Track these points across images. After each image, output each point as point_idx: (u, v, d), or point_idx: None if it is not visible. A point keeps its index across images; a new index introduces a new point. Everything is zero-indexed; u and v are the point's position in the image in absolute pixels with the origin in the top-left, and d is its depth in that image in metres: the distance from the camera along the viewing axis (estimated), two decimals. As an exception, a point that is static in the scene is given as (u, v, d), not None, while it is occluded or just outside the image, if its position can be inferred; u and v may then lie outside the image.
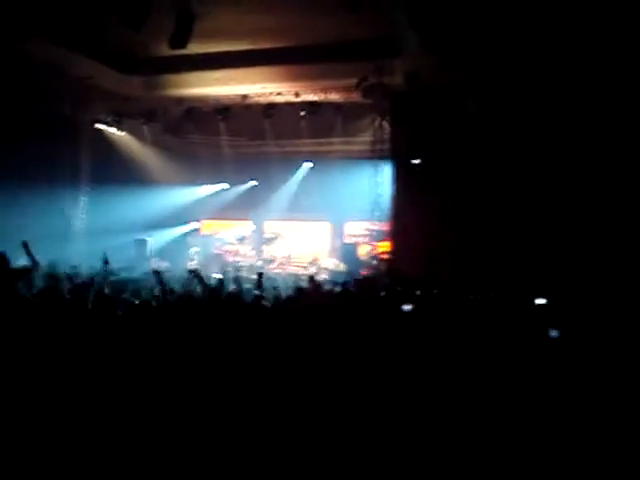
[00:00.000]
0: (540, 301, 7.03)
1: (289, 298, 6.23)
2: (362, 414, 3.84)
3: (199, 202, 20.13)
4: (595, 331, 5.21)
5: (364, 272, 15.50)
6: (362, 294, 8.20)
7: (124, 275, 9.15)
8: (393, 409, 3.90)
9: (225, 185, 20.32)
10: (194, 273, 5.93)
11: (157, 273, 5.62)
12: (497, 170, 13.09)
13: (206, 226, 20.99)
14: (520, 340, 4.93)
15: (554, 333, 5.16)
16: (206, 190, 20.31)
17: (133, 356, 3.98)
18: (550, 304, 6.91)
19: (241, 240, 19.56)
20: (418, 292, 7.76)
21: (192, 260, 18.77)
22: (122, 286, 6.64)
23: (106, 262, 6.20)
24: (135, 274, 10.58)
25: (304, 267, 18.40)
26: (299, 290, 6.81)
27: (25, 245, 5.53)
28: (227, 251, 19.33)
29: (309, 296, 6.82)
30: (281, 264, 19.26)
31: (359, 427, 3.75)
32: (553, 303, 7.12)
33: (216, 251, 19.30)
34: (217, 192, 20.35)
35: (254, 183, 20.01)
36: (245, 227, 20.35)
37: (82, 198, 16.42)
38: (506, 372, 4.38)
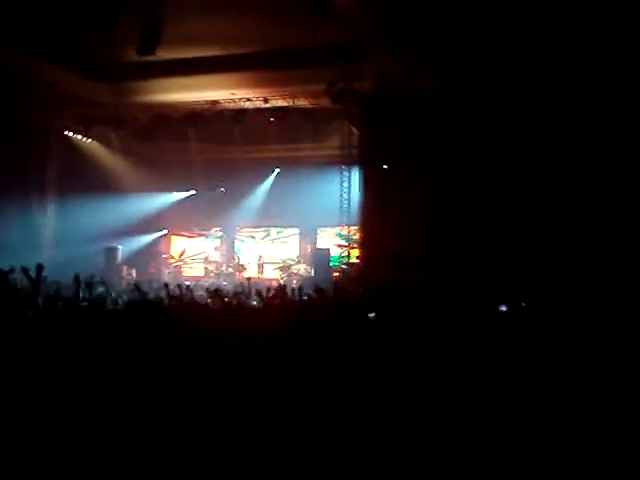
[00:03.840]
0: (503, 308, 7.07)
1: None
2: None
3: (169, 209, 19.98)
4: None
5: (334, 278, 15.51)
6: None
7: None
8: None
9: (193, 192, 20.19)
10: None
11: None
12: (466, 174, 13.20)
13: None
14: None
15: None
16: (175, 197, 20.17)
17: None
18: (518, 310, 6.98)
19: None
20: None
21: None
22: None
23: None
24: None
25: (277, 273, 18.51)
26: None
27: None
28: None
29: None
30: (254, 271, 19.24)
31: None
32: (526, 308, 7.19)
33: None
34: (186, 199, 20.16)
35: (223, 190, 19.87)
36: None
37: (50, 206, 16.26)
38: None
